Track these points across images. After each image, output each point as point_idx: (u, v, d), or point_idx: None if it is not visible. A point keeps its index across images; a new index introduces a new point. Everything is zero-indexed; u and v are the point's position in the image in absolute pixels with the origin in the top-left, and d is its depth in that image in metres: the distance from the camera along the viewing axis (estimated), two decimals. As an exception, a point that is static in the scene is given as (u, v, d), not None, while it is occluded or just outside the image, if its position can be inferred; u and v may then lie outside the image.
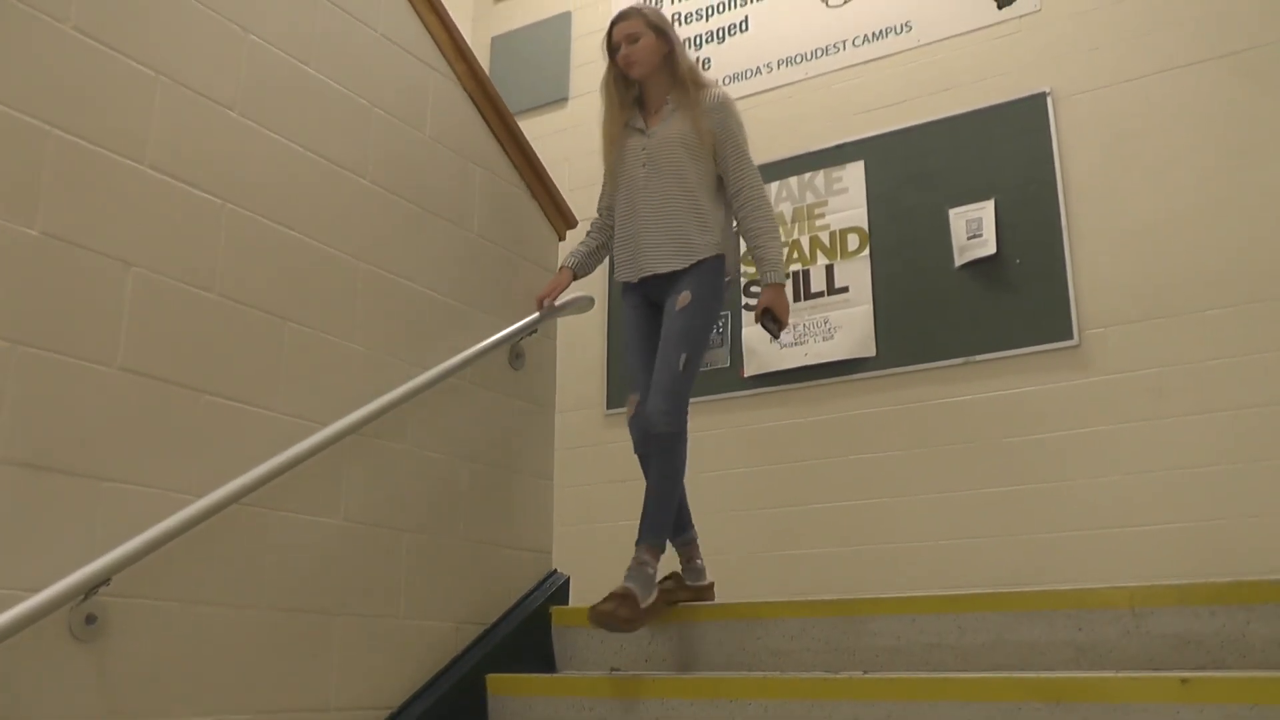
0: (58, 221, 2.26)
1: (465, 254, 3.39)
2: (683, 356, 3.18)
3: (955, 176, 4.87)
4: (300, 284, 2.79)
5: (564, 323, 3.84)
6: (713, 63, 5.74)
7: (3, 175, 2.18)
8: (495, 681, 3.12)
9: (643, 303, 3.40)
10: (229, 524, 2.48)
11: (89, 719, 2.19)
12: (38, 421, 2.18)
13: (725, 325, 5.26)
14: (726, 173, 3.38)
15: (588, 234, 3.63)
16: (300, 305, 2.78)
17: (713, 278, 3.30)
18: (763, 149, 5.27)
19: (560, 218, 3.83)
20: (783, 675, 2.85)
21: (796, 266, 5.16)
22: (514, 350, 3.52)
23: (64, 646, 2.16)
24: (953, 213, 4.82)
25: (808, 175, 5.24)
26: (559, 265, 3.66)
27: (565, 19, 6.31)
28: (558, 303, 3.56)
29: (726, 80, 5.62)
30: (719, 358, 5.23)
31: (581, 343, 5.43)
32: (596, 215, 3.64)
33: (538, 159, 3.73)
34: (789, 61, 5.50)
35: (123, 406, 2.34)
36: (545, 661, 3.36)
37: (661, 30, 3.46)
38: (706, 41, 5.82)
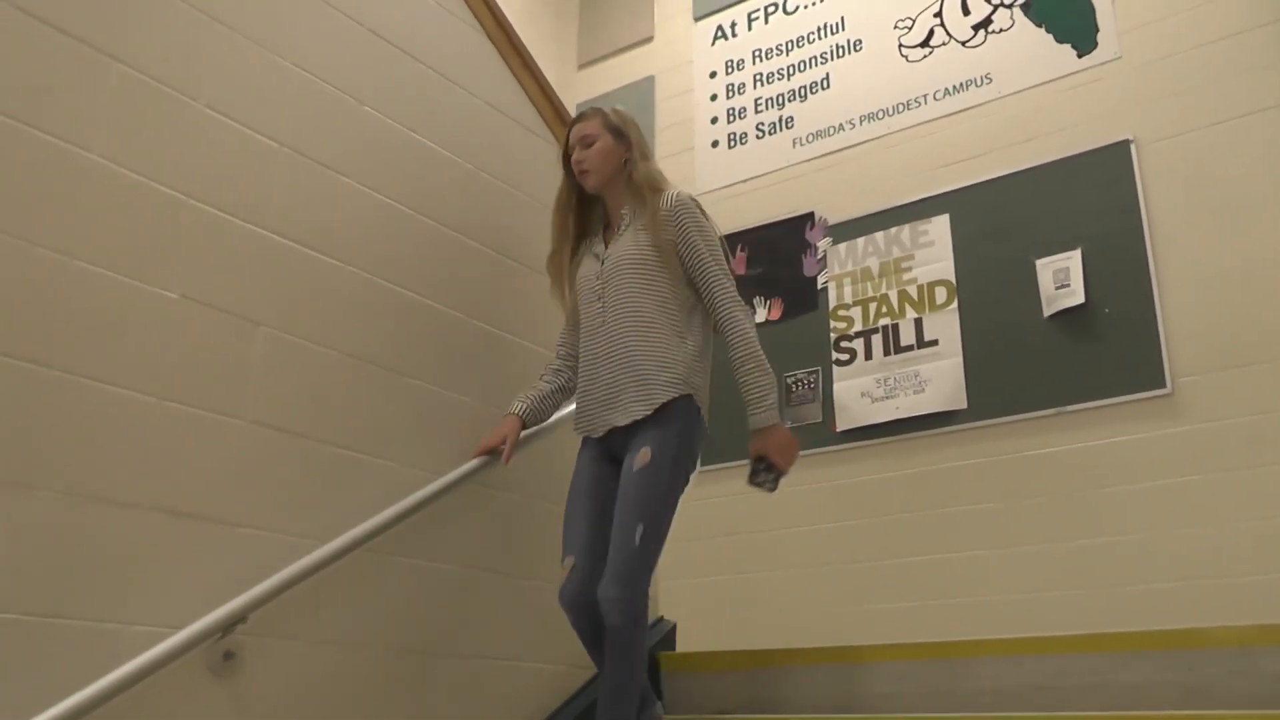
0: (194, 285, 2.43)
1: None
2: (639, 530, 2.63)
3: (1040, 227, 4.86)
4: (414, 341, 2.92)
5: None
6: (796, 121, 5.83)
7: (147, 243, 2.35)
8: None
9: (602, 455, 2.88)
10: (350, 568, 2.59)
11: None
12: (176, 470, 2.32)
13: (817, 380, 5.31)
14: (697, 288, 2.88)
15: (541, 376, 3.10)
16: (414, 361, 2.92)
17: (679, 425, 2.76)
18: (848, 205, 5.42)
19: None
20: (891, 715, 2.87)
21: (886, 321, 5.20)
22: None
23: (203, 681, 2.29)
24: (1039, 263, 4.81)
25: (893, 229, 5.29)
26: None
27: (649, 83, 6.46)
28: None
29: (809, 139, 5.73)
30: (811, 413, 5.27)
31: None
32: (554, 357, 3.15)
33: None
34: (871, 117, 5.57)
35: (251, 456, 2.48)
36: (654, 706, 3.40)
37: (621, 132, 2.98)
38: (789, 100, 5.90)
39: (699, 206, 2.92)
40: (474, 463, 2.94)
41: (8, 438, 2.06)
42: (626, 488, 2.70)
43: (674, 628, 3.66)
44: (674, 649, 3.62)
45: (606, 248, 2.96)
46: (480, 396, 3.09)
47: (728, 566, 5.23)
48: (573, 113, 3.69)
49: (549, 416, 3.09)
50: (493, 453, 2.93)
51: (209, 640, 2.28)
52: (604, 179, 2.97)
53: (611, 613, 2.60)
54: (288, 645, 2.47)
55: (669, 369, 2.77)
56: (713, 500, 5.36)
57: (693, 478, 2.78)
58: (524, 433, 2.99)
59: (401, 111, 3.04)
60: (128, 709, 2.11)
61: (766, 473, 2.82)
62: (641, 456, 2.69)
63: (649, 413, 2.75)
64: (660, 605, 3.71)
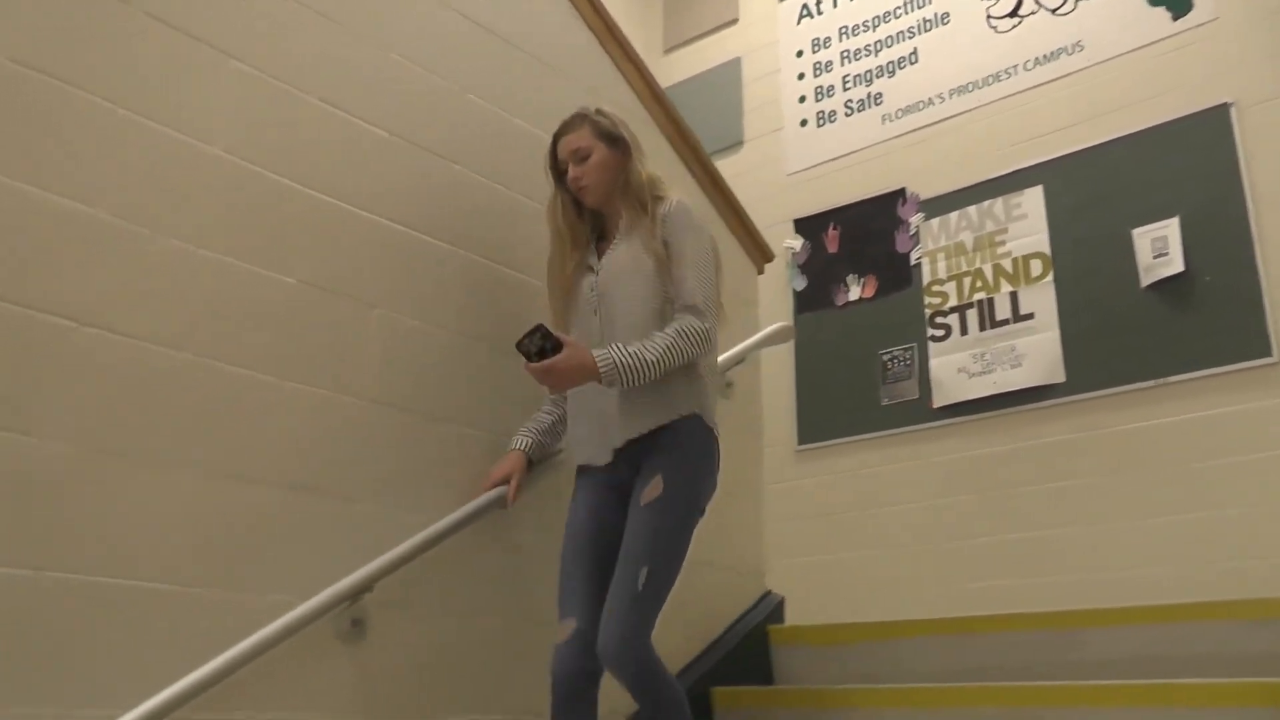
0: (310, 270, 2.52)
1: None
2: (643, 572, 2.36)
3: (1136, 195, 4.80)
4: (523, 319, 2.96)
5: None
6: (884, 97, 5.82)
7: (261, 231, 2.45)
8: (721, 695, 3.24)
9: (606, 487, 2.60)
10: (470, 538, 2.67)
11: (352, 715, 2.39)
12: (301, 448, 2.43)
13: (913, 356, 5.30)
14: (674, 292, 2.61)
15: (540, 410, 2.86)
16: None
17: (692, 449, 2.54)
18: (939, 180, 5.40)
19: (758, 251, 3.96)
20: (1002, 684, 2.88)
21: (981, 295, 5.17)
22: (723, 380, 3.54)
23: (333, 648, 2.39)
24: (1136, 233, 4.75)
25: (986, 203, 5.26)
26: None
27: (735, 65, 6.47)
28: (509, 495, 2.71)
29: (898, 114, 5.71)
30: (907, 390, 5.27)
31: (770, 379, 5.51)
32: None
33: (734, 196, 3.85)
34: (961, 90, 5.54)
35: (372, 434, 2.58)
36: (764, 677, 3.48)
37: (614, 137, 2.74)
38: (877, 76, 5.89)
39: (696, 212, 2.73)
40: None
41: (147, 419, 2.17)
42: (634, 523, 2.44)
43: (782, 601, 3.70)
44: (782, 622, 3.66)
45: (600, 258, 2.74)
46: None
47: (828, 545, 5.26)
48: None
49: (553, 448, 2.87)
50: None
51: (337, 609, 2.37)
52: (605, 193, 2.74)
53: (624, 672, 2.33)
54: (411, 615, 2.56)
55: (671, 386, 2.53)
56: (813, 479, 5.41)
57: (708, 507, 2.58)
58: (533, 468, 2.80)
59: (505, 100, 3.11)
60: (264, 673, 2.22)
61: (540, 348, 2.41)
62: (652, 487, 2.45)
63: (652, 427, 2.52)
64: (767, 581, 3.75)
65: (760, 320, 3.86)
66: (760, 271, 4.00)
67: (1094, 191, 4.95)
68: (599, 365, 2.41)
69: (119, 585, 2.08)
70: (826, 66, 6.08)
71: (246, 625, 2.20)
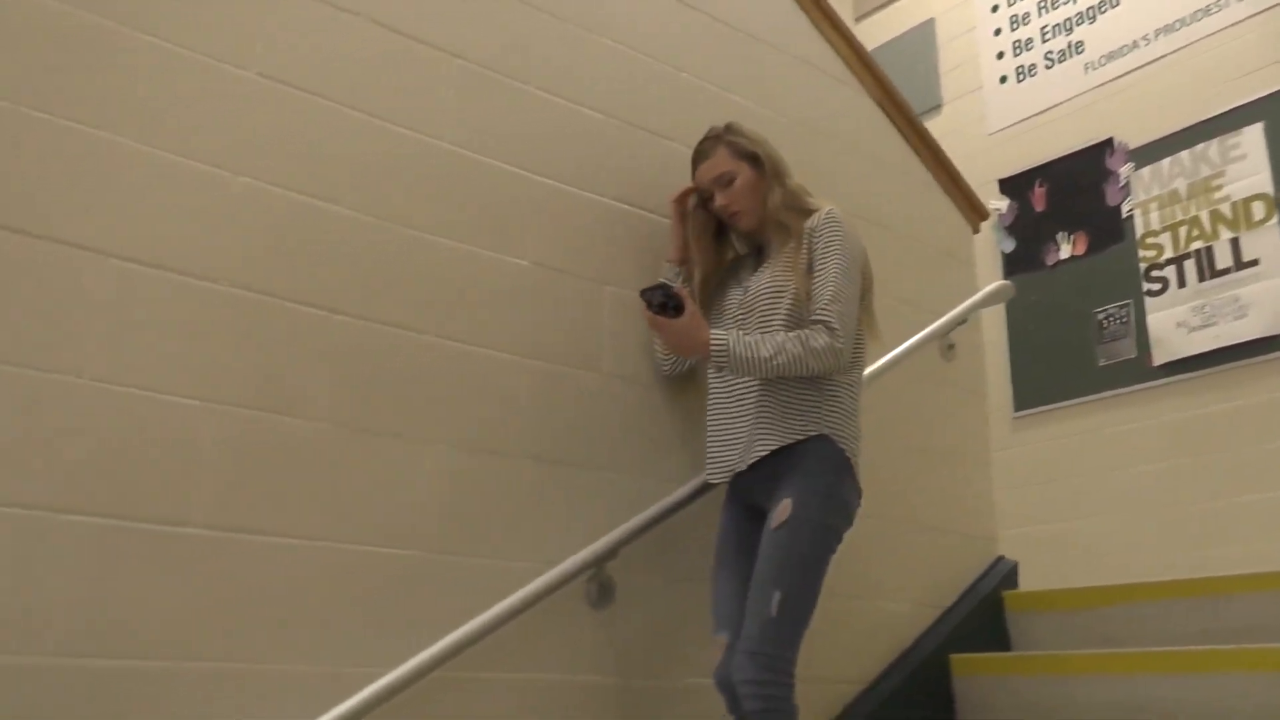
0: (543, 252, 2.65)
1: (890, 253, 3.42)
2: (776, 597, 2.30)
3: (1370, 125, 4.54)
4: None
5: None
6: (1086, 45, 5.62)
7: (493, 217, 2.59)
8: (959, 662, 3.23)
9: (742, 508, 2.58)
10: (711, 504, 2.71)
11: (600, 674, 2.51)
12: (543, 421, 2.57)
13: (1129, 313, 5.13)
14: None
15: None
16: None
17: (824, 473, 2.43)
18: (1148, 126, 5.21)
19: (973, 210, 3.91)
20: (1255, 645, 2.78)
21: (1199, 244, 4.96)
22: (945, 342, 3.58)
23: (581, 611, 2.52)
24: (1371, 164, 4.51)
25: (1199, 146, 5.02)
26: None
27: (929, 26, 6.37)
28: None
29: (1102, 61, 5.50)
30: (1124, 349, 5.10)
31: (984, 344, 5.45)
32: None
33: (945, 155, 3.81)
34: (1167, 29, 5.29)
35: (610, 406, 2.69)
36: (1001, 643, 3.44)
37: (755, 156, 2.65)
38: (1077, 24, 5.69)
39: (848, 224, 2.57)
40: None
41: (397, 399, 2.34)
42: (765, 547, 2.38)
43: (1015, 566, 3.65)
44: (1016, 588, 3.61)
45: (754, 273, 2.67)
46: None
47: (1054, 513, 5.13)
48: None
49: None
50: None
51: (584, 574, 2.49)
52: (759, 215, 2.65)
53: (748, 697, 2.27)
54: (656, 580, 2.67)
55: (797, 406, 2.45)
56: (1032, 446, 5.31)
57: (846, 535, 2.50)
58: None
59: (718, 76, 3.16)
60: (518, 635, 2.37)
61: (661, 302, 2.40)
62: (781, 510, 2.37)
63: (774, 448, 2.44)
64: (999, 546, 3.71)
65: (977, 281, 3.79)
66: (976, 230, 3.95)
67: (1321, 124, 4.67)
68: (712, 342, 2.40)
69: (379, 553, 2.25)
70: (1024, 19, 5.91)
71: (499, 591, 2.35)
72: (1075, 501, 5.11)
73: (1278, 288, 4.68)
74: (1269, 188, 4.79)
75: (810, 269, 2.50)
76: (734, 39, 3.25)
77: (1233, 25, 5.05)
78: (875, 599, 3.17)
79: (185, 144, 2.14)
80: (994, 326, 5.38)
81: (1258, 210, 4.81)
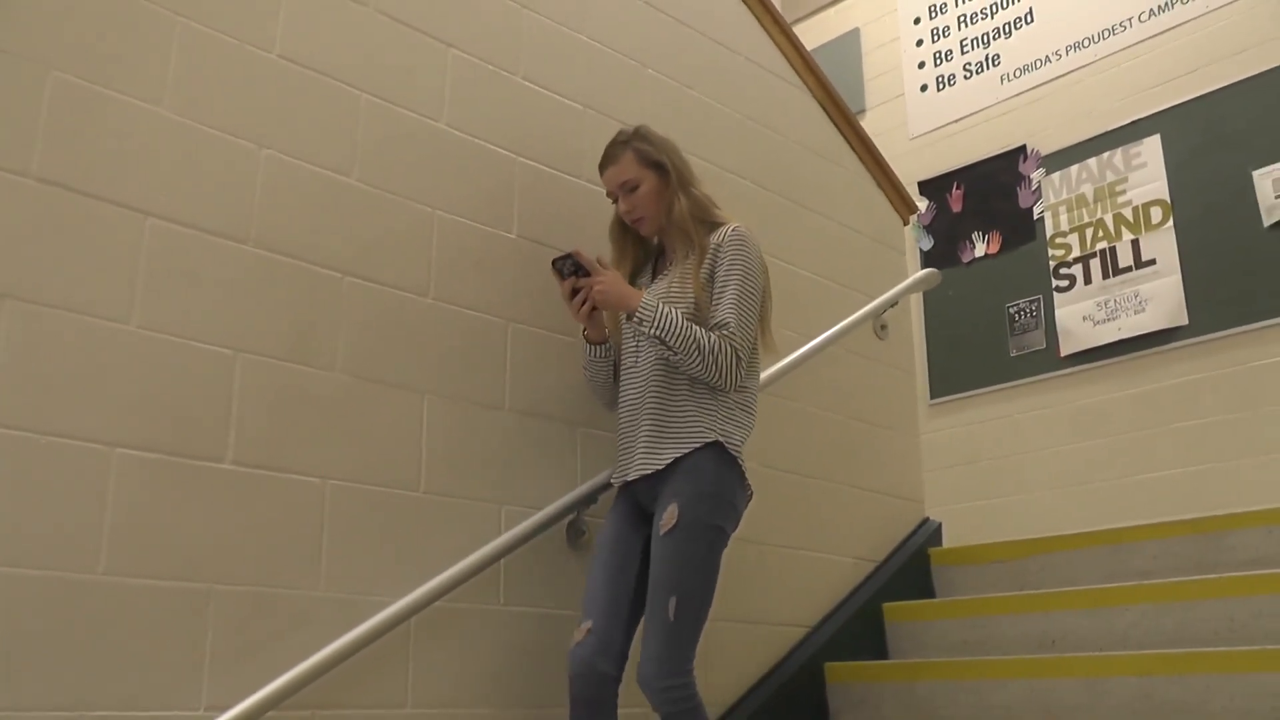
0: (527, 226, 2.88)
1: (830, 239, 3.79)
2: (672, 602, 2.31)
3: (1256, 138, 4.88)
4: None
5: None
6: (1002, 58, 5.97)
7: (484, 191, 2.81)
8: (890, 609, 3.52)
9: (628, 509, 2.58)
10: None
11: (575, 608, 2.69)
12: (528, 379, 2.79)
13: (1039, 308, 5.47)
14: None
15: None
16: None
17: (709, 476, 2.43)
18: (1059, 135, 5.54)
19: (903, 204, 4.20)
20: (1156, 581, 3.07)
21: (1103, 244, 5.31)
22: (879, 322, 3.86)
23: (563, 552, 2.77)
24: (1256, 174, 4.83)
25: (1105, 154, 5.39)
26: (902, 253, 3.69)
27: (854, 35, 6.68)
28: None
29: (1017, 73, 5.86)
30: (1034, 340, 5.44)
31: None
32: None
33: (880, 153, 4.10)
34: (1076, 46, 5.66)
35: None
36: (926, 594, 3.74)
37: (659, 164, 2.65)
38: (994, 39, 6.04)
39: (752, 241, 2.59)
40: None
41: (403, 354, 2.56)
42: (656, 552, 2.40)
43: (940, 526, 3.95)
44: (941, 545, 3.91)
45: (653, 279, 2.70)
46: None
47: (971, 493, 5.43)
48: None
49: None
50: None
51: (565, 518, 2.74)
52: (660, 222, 2.67)
53: (661, 702, 2.30)
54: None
55: (694, 419, 2.47)
56: (948, 431, 5.61)
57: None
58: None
59: (679, 71, 3.41)
60: (512, 569, 2.63)
61: (574, 269, 2.55)
62: (668, 517, 2.38)
63: (659, 468, 2.46)
64: (925, 509, 4.00)
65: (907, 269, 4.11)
66: (906, 222, 4.25)
67: (1212, 137, 5.02)
68: (638, 313, 2.45)
69: (388, 494, 2.47)
70: (944, 32, 6.26)
71: (493, 530, 2.60)
72: (990, 481, 5.43)
73: (1173, 285, 5.03)
74: (1166, 194, 5.15)
75: (711, 281, 2.53)
76: (694, 40, 3.49)
77: (1135, 44, 5.43)
78: (819, 550, 3.43)
79: (217, 117, 2.33)
80: (911, 319, 5.64)
81: (1155, 214, 5.17)
